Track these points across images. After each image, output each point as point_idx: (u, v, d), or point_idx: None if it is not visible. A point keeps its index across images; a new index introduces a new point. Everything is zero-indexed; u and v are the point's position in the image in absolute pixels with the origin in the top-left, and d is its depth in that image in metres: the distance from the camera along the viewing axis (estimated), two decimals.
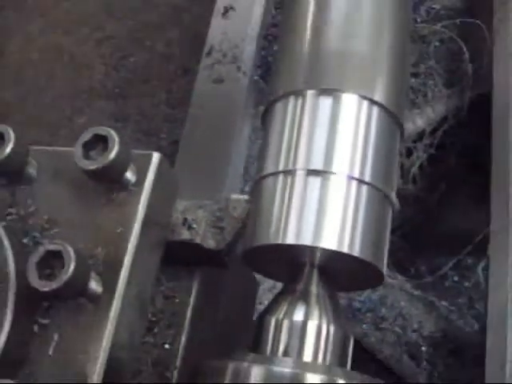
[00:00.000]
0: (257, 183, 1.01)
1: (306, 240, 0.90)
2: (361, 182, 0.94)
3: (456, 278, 1.94)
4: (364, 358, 1.68)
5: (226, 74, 1.87)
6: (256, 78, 1.90)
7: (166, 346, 1.04)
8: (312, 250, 0.92)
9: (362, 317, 1.67)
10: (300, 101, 0.98)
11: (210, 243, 1.00)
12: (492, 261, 1.48)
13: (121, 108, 2.73)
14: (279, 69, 1.06)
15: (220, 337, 1.15)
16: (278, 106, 1.01)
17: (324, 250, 0.90)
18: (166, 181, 0.98)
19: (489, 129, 1.60)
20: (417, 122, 1.73)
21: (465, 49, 1.72)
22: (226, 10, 1.92)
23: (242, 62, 1.88)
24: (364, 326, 1.71)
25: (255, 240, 0.95)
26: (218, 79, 1.86)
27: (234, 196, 1.04)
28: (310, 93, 0.97)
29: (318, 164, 0.95)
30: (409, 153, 1.77)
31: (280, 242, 0.91)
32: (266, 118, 1.04)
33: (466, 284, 1.94)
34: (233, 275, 1.14)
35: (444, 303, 1.78)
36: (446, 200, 1.85)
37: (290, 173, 0.96)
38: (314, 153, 0.95)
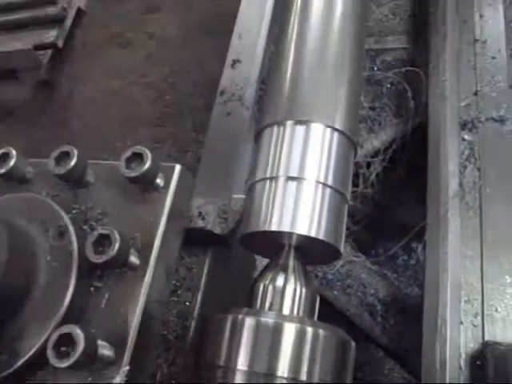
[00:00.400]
0: (250, 186, 1.02)
1: (286, 227, 0.90)
2: (325, 185, 0.95)
3: (405, 258, 1.95)
4: (334, 317, 1.68)
5: (233, 109, 1.89)
6: (255, 110, 1.92)
7: (187, 304, 1.07)
8: (290, 234, 0.92)
9: (333, 285, 1.69)
10: (281, 128, 0.99)
11: (218, 229, 1.04)
12: (428, 244, 1.48)
13: (159, 134, 2.75)
14: (266, 103, 1.07)
15: (226, 298, 1.17)
16: (266, 131, 1.02)
17: (298, 234, 0.91)
18: (185, 185, 1.00)
19: (425, 147, 1.61)
20: (373, 142, 1.76)
21: (408, 89, 1.74)
22: (234, 62, 1.94)
23: (245, 100, 1.89)
24: (335, 292, 1.71)
25: (249, 227, 0.95)
26: (229, 112, 1.88)
27: (235, 196, 1.06)
28: (288, 123, 0.98)
29: (294, 172, 0.96)
30: (368, 165, 1.79)
31: (266, 228, 0.92)
32: (257, 139, 1.05)
33: (412, 262, 1.95)
34: (235, 254, 1.16)
35: (394, 275, 1.79)
36: (396, 200, 1.87)
37: (274, 179, 0.97)
38: (291, 164, 0.96)
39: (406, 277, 1.82)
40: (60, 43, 2.58)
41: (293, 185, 0.95)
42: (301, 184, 0.95)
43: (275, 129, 1.00)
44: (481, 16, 1.63)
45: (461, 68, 1.60)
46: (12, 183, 1.01)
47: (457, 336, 1.17)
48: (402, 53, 1.82)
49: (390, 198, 1.86)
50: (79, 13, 2.73)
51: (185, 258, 1.08)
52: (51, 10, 2.57)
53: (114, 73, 2.97)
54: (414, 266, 1.90)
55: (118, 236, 0.85)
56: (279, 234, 0.92)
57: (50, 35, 2.59)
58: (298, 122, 0.97)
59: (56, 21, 2.61)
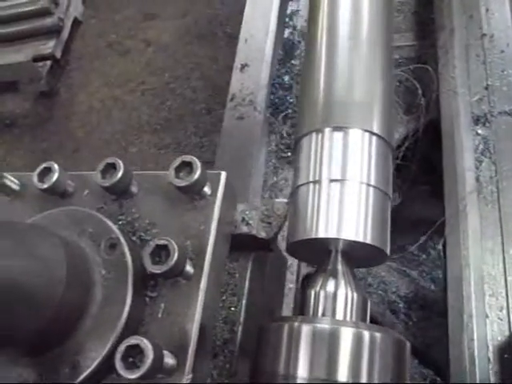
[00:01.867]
0: (294, 191, 1.03)
1: (332, 233, 0.92)
2: (368, 185, 0.97)
3: (421, 253, 1.96)
4: None
5: (245, 113, 1.90)
6: (268, 115, 1.93)
7: (232, 309, 1.07)
8: (337, 240, 0.93)
9: None
10: (320, 135, 1.01)
11: (262, 234, 1.03)
12: (448, 240, 1.49)
13: (162, 139, 2.76)
14: (302, 112, 1.08)
15: (264, 300, 1.17)
16: (305, 139, 1.04)
17: (345, 240, 0.92)
18: (230, 192, 1.00)
19: (437, 144, 1.64)
20: None
21: (418, 86, 1.76)
22: (243, 67, 1.95)
23: (256, 103, 1.91)
24: None
25: (295, 235, 0.97)
26: (240, 117, 1.89)
27: (278, 200, 1.07)
28: (327, 130, 1.00)
29: (337, 174, 0.98)
30: None
31: (313, 236, 0.93)
32: (296, 148, 1.07)
33: (429, 257, 1.96)
34: (272, 256, 1.16)
35: (414, 272, 1.81)
36: (409, 196, 1.90)
37: (317, 182, 0.99)
38: (333, 167, 0.98)
39: (425, 273, 1.84)
40: (58, 54, 2.58)
41: (336, 187, 0.97)
42: (344, 185, 0.97)
43: (314, 136, 1.02)
44: (487, 10, 1.65)
45: (470, 63, 1.63)
46: (54, 198, 0.99)
47: (483, 330, 1.18)
48: (408, 50, 1.85)
49: (404, 194, 1.88)
50: (76, 22, 2.73)
51: (227, 264, 1.07)
52: (48, 21, 2.56)
53: (114, 81, 2.98)
54: (431, 262, 1.92)
55: (175, 246, 0.85)
56: (326, 240, 0.93)
57: (48, 46, 2.58)
58: (336, 129, 0.99)
59: (53, 32, 2.61)
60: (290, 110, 1.92)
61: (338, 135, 0.98)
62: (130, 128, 2.81)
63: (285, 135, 1.92)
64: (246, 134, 1.89)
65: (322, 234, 0.92)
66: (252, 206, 1.06)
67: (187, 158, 0.94)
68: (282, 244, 1.13)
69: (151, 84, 2.92)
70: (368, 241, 0.92)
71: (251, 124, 1.89)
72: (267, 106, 1.93)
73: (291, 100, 1.92)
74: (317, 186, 0.98)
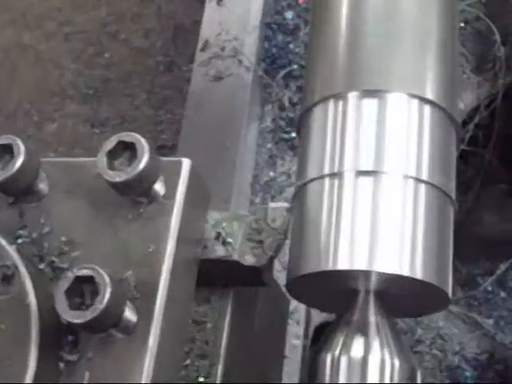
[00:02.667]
0: (299, 190, 1.04)
1: (361, 263, 0.92)
2: (419, 180, 0.97)
3: (491, 289, 1.93)
4: None
5: (225, 70, 1.88)
6: (260, 73, 1.91)
7: (201, 380, 1.05)
8: (367, 274, 0.93)
9: None
10: (341, 103, 1.02)
11: (249, 259, 1.01)
12: None
13: (96, 111, 2.73)
14: (313, 72, 1.10)
15: (255, 360, 1.17)
16: (316, 111, 1.05)
17: (380, 273, 0.92)
18: (197, 190, 0.99)
19: None
20: None
21: (494, 29, 1.74)
22: None
23: (242, 55, 1.89)
24: None
25: (301, 266, 0.98)
26: (217, 76, 1.87)
27: (273, 205, 1.06)
28: (351, 95, 1.01)
29: (368, 163, 0.97)
30: None
31: (330, 267, 0.94)
32: (302, 124, 1.08)
33: (502, 295, 1.93)
34: (266, 292, 1.16)
35: (487, 320, 1.78)
36: (481, 199, 1.88)
37: (336, 176, 0.99)
38: (362, 153, 0.98)
39: (504, 321, 1.82)
40: None
41: (367, 183, 0.98)
42: (379, 181, 0.97)
43: (331, 105, 1.03)
44: None
45: None
46: None
47: None
48: None
49: (473, 196, 1.87)
50: None
51: (192, 307, 1.07)
52: None
53: (22, 18, 2.94)
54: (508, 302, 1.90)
55: (107, 279, 0.82)
56: (351, 274, 0.94)
57: None
58: (367, 94, 1.00)
59: None
60: (294, 66, 1.90)
61: (371, 103, 1.00)
62: (45, 93, 2.77)
63: (286, 104, 1.91)
64: (226, 104, 1.88)
65: (344, 265, 0.93)
66: (233, 214, 1.04)
67: (127, 136, 0.92)
68: (281, 275, 1.12)
69: (80, 25, 2.88)
70: (418, 275, 0.92)
71: (234, 87, 1.87)
72: (259, 60, 1.92)
73: (297, 50, 1.90)
74: (335, 183, 0.99)
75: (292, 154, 1.77)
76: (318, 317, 1.62)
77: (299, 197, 1.04)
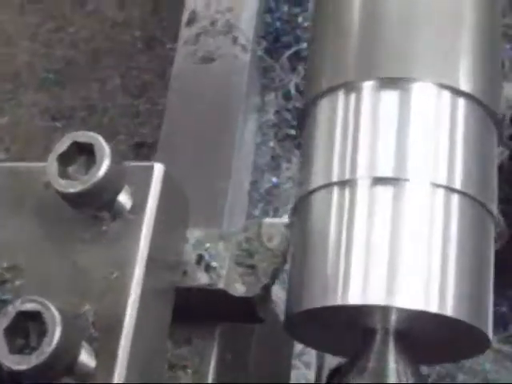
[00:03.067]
0: (301, 201, 1.06)
1: (377, 297, 0.93)
2: (450, 189, 0.98)
3: None
4: None
5: (217, 50, 1.89)
6: (260, 53, 1.92)
7: None
8: (385, 310, 0.95)
9: None
10: (353, 95, 1.04)
11: (239, 288, 1.01)
12: None
13: (59, 100, 2.73)
14: (319, 56, 1.12)
15: None
16: (322, 103, 1.07)
17: (402, 310, 0.94)
18: (173, 202, 0.99)
19: None
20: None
21: None
22: None
23: (238, 30, 1.90)
24: None
25: (304, 300, 1.00)
26: (207, 57, 1.88)
27: (268, 220, 1.06)
28: (367, 84, 1.03)
29: (386, 170, 0.99)
30: None
31: (340, 302, 0.95)
32: (304, 119, 1.10)
33: None
34: (262, 329, 1.16)
35: None
36: None
37: (348, 184, 1.00)
38: (380, 156, 1.00)
39: None
40: None
41: (386, 193, 0.99)
42: (402, 191, 0.98)
43: (341, 96, 1.05)
44: None
45: None
46: None
47: None
48: None
49: None
50: None
51: (170, 349, 1.08)
52: None
53: None
54: None
55: (57, 315, 0.81)
56: (366, 310, 0.95)
57: None
58: (387, 83, 1.02)
59: None
60: (303, 45, 1.91)
61: (391, 94, 1.02)
62: None
63: (293, 92, 1.92)
64: (217, 92, 1.89)
65: (357, 299, 0.94)
66: (219, 232, 1.05)
67: (83, 136, 0.92)
68: (280, 307, 1.13)
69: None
70: (449, 312, 0.92)
71: (228, 71, 1.88)
72: (259, 37, 1.92)
73: (305, 24, 1.91)
74: (346, 193, 1.00)
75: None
76: (334, 359, 1.62)
77: (301, 210, 1.05)
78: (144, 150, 2.58)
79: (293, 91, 1.92)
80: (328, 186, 1.02)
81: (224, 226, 1.64)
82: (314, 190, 1.03)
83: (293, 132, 1.90)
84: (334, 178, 1.01)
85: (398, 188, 0.98)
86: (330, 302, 0.95)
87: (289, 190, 1.86)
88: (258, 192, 1.83)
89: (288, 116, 1.90)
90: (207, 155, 1.82)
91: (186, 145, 1.85)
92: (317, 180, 1.04)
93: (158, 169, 0.98)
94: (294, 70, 1.93)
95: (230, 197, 1.76)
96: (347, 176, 1.00)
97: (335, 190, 1.01)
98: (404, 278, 0.93)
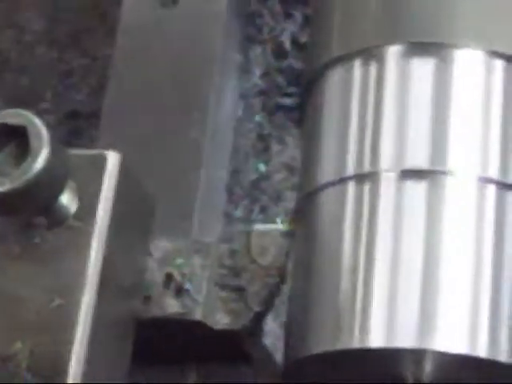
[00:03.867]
0: (305, 201, 1.09)
1: (407, 338, 0.96)
2: (502, 185, 1.01)
3: None
4: None
5: None
6: None
7: None
8: (418, 355, 0.97)
9: None
10: (373, 64, 1.07)
11: (222, 319, 1.05)
12: None
13: None
14: (329, 15, 1.16)
15: None
16: (333, 75, 1.10)
17: (440, 354, 0.96)
18: (133, 204, 1.02)
19: None
20: None
21: None
22: None
23: None
24: None
25: (310, 341, 1.02)
26: None
27: (260, 228, 1.08)
28: (391, 50, 1.06)
29: (419, 160, 1.01)
30: None
31: (357, 345, 0.97)
32: (309, 95, 1.13)
33: None
34: (254, 367, 1.18)
35: None
36: None
37: (368, 178, 1.03)
38: (410, 142, 1.02)
39: None
40: None
41: (419, 191, 1.02)
42: (441, 188, 1.01)
43: (358, 65, 1.08)
44: None
45: None
46: None
47: None
48: None
49: None
50: None
51: None
52: None
53: None
54: None
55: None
56: (392, 354, 0.98)
57: None
58: (418, 48, 1.05)
59: None
60: None
61: (424, 63, 1.04)
62: None
63: (287, 47, 1.92)
64: (182, 46, 1.89)
65: (379, 340, 0.96)
66: (194, 243, 1.08)
67: (15, 116, 0.94)
68: (276, 344, 1.16)
69: None
70: (503, 357, 0.96)
71: (197, 17, 1.88)
72: None
73: None
74: (366, 191, 1.03)
75: (297, 133, 1.78)
76: None
77: (304, 213, 1.07)
78: (79, 122, 2.57)
79: (287, 45, 1.91)
80: (341, 181, 1.04)
81: (193, 233, 1.63)
82: (323, 187, 1.06)
83: (287, 102, 1.89)
84: (350, 171, 1.04)
85: (434, 184, 1.00)
86: (346, 345, 0.98)
87: (282, 183, 1.85)
88: (239, 185, 1.82)
89: (280, 80, 1.88)
90: (169, 136, 1.82)
91: (140, 120, 1.85)
92: (326, 174, 1.06)
93: (113, 159, 1.00)
94: (288, 16, 1.92)
95: (202, 192, 1.76)
96: (367, 168, 1.03)
97: (351, 187, 1.03)
98: (442, 313, 0.96)
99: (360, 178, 1.03)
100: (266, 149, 1.89)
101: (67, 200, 0.98)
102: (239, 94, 1.91)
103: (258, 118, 1.89)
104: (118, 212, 0.99)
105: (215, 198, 1.81)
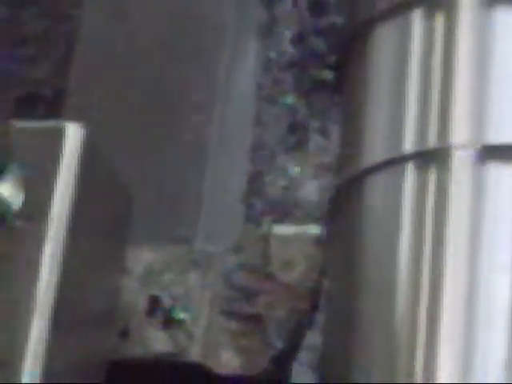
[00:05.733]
0: (345, 190, 1.10)
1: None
2: None
3: None
4: None
5: None
6: None
7: None
8: None
9: None
10: (440, 14, 1.11)
11: (229, 362, 1.06)
12: None
13: None
14: None
15: None
16: (384, 29, 1.16)
17: None
18: (102, 197, 1.02)
19: None
20: None
21: None
22: None
23: None
24: None
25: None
26: None
27: (282, 230, 1.09)
28: None
29: (506, 133, 1.03)
30: None
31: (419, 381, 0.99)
32: (351, 58, 1.17)
33: None
34: None
35: None
36: None
37: (433, 155, 1.05)
38: (493, 110, 1.05)
39: None
40: None
41: (506, 176, 1.03)
42: None
43: (416, 17, 1.12)
44: None
45: None
46: None
47: None
48: None
49: None
50: None
51: None
52: None
53: None
54: None
55: None
56: None
57: None
58: None
59: None
60: None
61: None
62: None
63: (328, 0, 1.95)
64: (181, 2, 1.93)
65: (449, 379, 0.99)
66: (188, 252, 1.08)
67: None
68: None
69: None
70: None
71: None
72: None
73: None
74: (432, 173, 1.05)
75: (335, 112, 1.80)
76: None
77: (345, 207, 1.10)
78: (38, 107, 2.61)
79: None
80: (396, 161, 1.06)
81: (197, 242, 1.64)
82: (370, 170, 1.08)
83: (330, 76, 1.91)
84: (408, 148, 1.06)
85: None
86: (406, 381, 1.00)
87: (322, 192, 1.88)
88: (262, 194, 1.84)
89: (320, 45, 1.92)
90: (162, 127, 1.84)
91: (123, 105, 1.88)
92: (375, 153, 1.09)
93: (74, 132, 1.00)
94: None
95: (208, 194, 1.78)
96: (433, 143, 1.05)
97: (410, 169, 1.06)
98: None
99: (423, 156, 1.04)
100: (301, 144, 1.92)
101: (8, 191, 0.99)
102: (262, 66, 1.94)
103: (289, 99, 1.92)
104: (82, 208, 0.99)
105: (227, 204, 1.82)
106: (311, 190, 1.90)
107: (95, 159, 0.99)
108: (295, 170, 1.92)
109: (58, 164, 1.00)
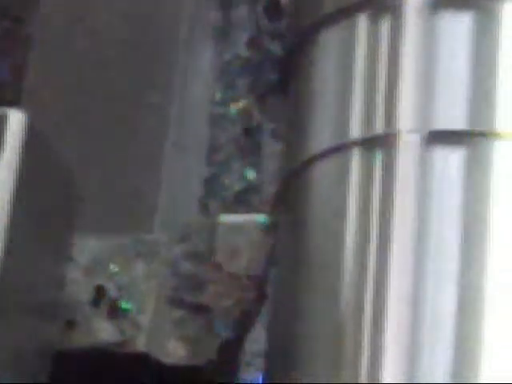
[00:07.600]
0: (291, 180, 1.10)
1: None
2: None
3: None
4: None
5: None
6: None
7: None
8: None
9: None
10: (385, 17, 1.12)
11: (175, 351, 1.05)
12: None
13: None
14: None
15: None
16: (330, 32, 1.16)
17: None
18: (45, 183, 1.02)
19: None
20: None
21: None
22: None
23: None
24: None
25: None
26: None
27: (228, 219, 1.08)
28: None
29: (456, 120, 1.04)
30: None
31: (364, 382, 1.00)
32: (297, 56, 1.17)
33: None
34: None
35: None
36: None
37: (379, 141, 1.05)
38: (438, 100, 1.05)
39: None
40: None
41: (453, 159, 1.03)
42: (484, 154, 1.03)
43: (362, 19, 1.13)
44: None
45: None
46: None
47: None
48: None
49: None
50: None
51: None
52: None
53: None
54: None
55: None
56: None
57: None
58: None
59: None
60: None
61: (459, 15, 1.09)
62: None
63: (285, 3, 1.96)
64: (139, 3, 1.93)
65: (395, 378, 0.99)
66: (134, 240, 1.08)
67: None
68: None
69: None
70: None
71: None
72: None
73: None
74: (377, 159, 1.06)
75: None
76: None
77: (290, 196, 1.09)
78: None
79: None
80: (341, 148, 1.06)
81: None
82: (315, 158, 1.07)
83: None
84: (354, 134, 1.05)
85: (475, 149, 1.02)
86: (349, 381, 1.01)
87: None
88: (219, 198, 1.84)
89: (275, 48, 1.92)
90: (119, 128, 1.85)
91: (80, 106, 1.87)
92: (320, 142, 1.09)
93: (17, 119, 1.00)
94: None
95: (163, 193, 1.78)
96: (379, 130, 1.04)
97: (355, 155, 1.06)
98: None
99: (370, 142, 1.05)
100: (256, 147, 1.91)
101: None
102: (217, 69, 1.94)
103: (243, 103, 1.92)
104: (23, 194, 0.99)
105: (186, 184, 1.82)
106: (266, 194, 1.89)
107: (38, 146, 0.98)
108: (250, 174, 1.91)
109: (0, 150, 0.98)
